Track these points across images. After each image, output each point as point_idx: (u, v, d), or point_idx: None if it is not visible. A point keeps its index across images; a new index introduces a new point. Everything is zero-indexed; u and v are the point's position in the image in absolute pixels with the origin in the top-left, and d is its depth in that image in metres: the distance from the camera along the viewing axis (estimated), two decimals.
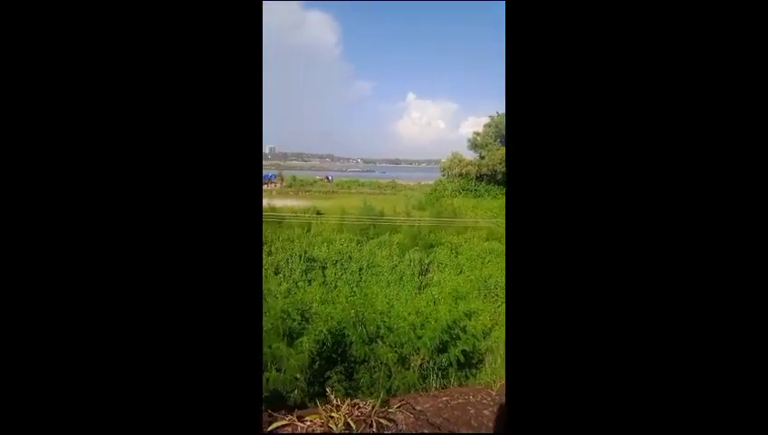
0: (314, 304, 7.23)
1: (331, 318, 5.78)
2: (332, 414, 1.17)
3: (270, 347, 5.26)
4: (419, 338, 3.91)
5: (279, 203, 23.31)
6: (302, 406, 3.48)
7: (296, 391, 3.99)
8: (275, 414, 1.21)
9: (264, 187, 39.50)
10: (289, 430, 1.12)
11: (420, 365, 3.76)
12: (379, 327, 5.20)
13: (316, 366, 4.69)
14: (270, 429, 1.14)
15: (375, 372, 4.20)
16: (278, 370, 4.27)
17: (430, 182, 34.38)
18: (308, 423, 1.14)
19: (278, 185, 41.13)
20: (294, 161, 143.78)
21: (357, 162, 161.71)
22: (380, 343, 4.57)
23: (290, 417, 1.15)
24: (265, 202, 22.02)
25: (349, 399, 1.26)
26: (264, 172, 52.50)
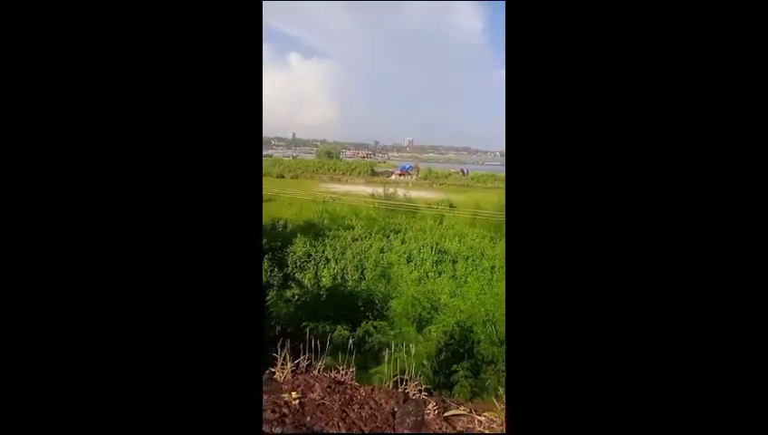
0: (443, 296, 7.28)
1: (461, 312, 5.74)
2: None
3: (400, 330, 5.55)
4: None
5: (414, 194, 24.12)
6: (427, 394, 3.56)
7: (422, 378, 4.11)
8: (448, 401, 1.24)
9: (401, 178, 41.39)
10: (465, 420, 1.14)
11: None
12: None
13: (442, 357, 4.74)
14: (446, 415, 1.18)
15: (503, 375, 4.02)
16: (406, 353, 4.47)
17: None
18: (483, 418, 1.15)
19: (414, 177, 42.52)
20: (431, 154, 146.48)
21: (495, 155, 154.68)
22: None
23: (463, 407, 1.17)
24: (401, 193, 23.11)
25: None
26: (402, 163, 55.00)
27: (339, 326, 5.20)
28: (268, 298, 7.10)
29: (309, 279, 9.85)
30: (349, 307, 7.52)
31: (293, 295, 7.77)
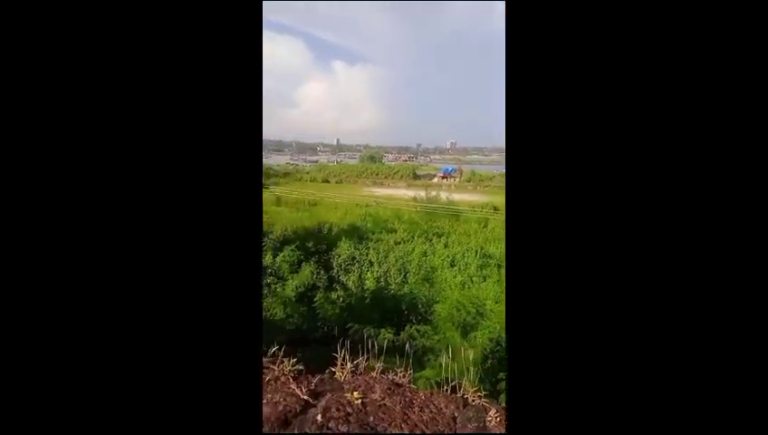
0: (488, 302, 7.12)
1: None
2: None
3: (445, 335, 5.50)
4: None
5: (457, 197, 23.77)
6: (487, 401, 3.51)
7: (468, 384, 4.04)
8: None
9: (444, 181, 40.93)
10: None
11: None
12: None
13: (488, 364, 4.63)
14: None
15: None
16: (452, 358, 4.41)
17: None
18: None
19: (457, 179, 41.87)
20: (475, 156, 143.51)
21: None
22: None
23: None
24: (444, 196, 22.86)
25: None
26: (444, 166, 54.33)
27: (383, 329, 5.26)
28: (316, 299, 7.33)
29: (353, 282, 10.02)
30: (393, 310, 7.57)
31: (338, 297, 7.95)
